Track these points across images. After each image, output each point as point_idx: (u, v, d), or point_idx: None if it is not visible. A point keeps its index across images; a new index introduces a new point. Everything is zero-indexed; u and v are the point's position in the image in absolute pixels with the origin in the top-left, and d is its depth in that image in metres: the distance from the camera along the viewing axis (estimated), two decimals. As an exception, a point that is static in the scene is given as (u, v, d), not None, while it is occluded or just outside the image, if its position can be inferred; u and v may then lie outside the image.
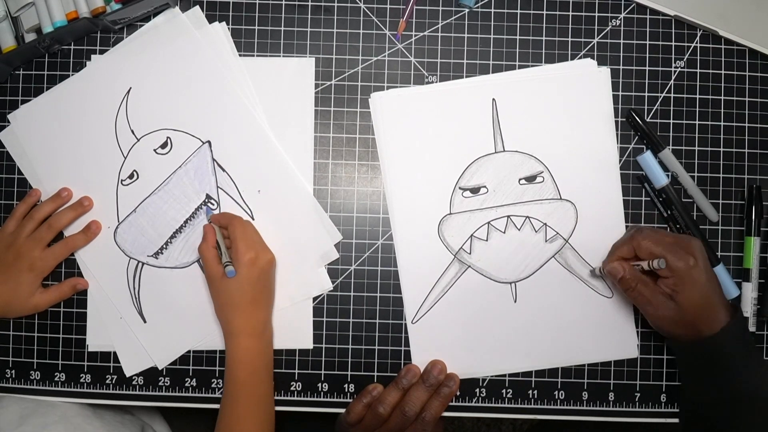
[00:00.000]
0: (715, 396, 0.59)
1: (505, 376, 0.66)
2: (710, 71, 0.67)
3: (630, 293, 0.60)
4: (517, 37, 0.67)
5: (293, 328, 0.66)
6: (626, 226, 0.66)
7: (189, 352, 0.67)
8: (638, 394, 0.66)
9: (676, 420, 0.66)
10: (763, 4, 0.66)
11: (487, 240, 0.66)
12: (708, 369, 0.59)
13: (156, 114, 0.67)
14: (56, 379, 0.67)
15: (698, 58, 0.67)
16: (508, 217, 0.66)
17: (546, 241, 0.66)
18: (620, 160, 0.67)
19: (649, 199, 0.66)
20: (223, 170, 0.67)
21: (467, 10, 0.67)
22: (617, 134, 0.67)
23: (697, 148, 0.67)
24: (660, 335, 0.65)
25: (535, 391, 0.66)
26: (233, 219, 0.63)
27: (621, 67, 0.67)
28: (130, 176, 0.67)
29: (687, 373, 0.63)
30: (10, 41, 0.66)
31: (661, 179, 0.65)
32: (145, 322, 0.67)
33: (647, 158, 0.65)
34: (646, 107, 0.67)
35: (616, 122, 0.67)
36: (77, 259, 0.67)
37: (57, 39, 0.65)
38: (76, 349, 0.67)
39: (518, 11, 0.67)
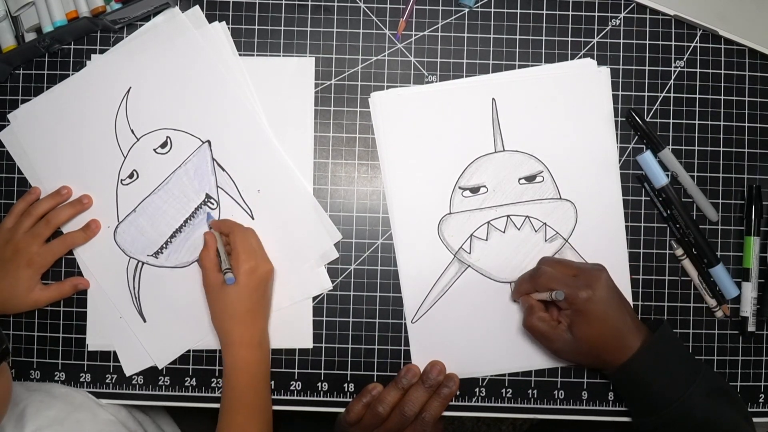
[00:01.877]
0: (648, 421, 0.59)
1: (504, 375, 0.66)
2: (710, 71, 0.67)
3: (527, 326, 0.61)
4: (517, 36, 0.67)
5: (293, 328, 0.66)
6: (626, 226, 0.66)
7: (189, 351, 0.67)
8: (638, 394, 0.66)
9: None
10: (763, 4, 0.66)
11: (486, 239, 0.66)
12: (633, 395, 0.60)
13: (156, 113, 0.67)
14: (56, 378, 0.67)
15: (698, 57, 0.67)
16: (508, 216, 0.66)
17: (546, 240, 0.66)
18: (620, 160, 0.67)
19: (648, 198, 0.66)
20: (223, 170, 0.67)
21: (467, 9, 0.67)
22: (617, 134, 0.67)
23: (696, 148, 0.67)
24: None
25: (535, 391, 0.66)
26: (235, 226, 0.63)
27: (621, 66, 0.67)
28: (130, 176, 0.67)
29: (621, 399, 0.64)
30: (10, 41, 0.66)
31: (660, 179, 0.65)
32: (144, 321, 0.67)
33: (647, 158, 0.65)
34: (646, 107, 0.67)
35: (616, 122, 0.67)
36: (77, 259, 0.67)
37: (57, 38, 0.65)
38: (76, 348, 0.67)
39: (518, 11, 0.67)
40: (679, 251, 0.66)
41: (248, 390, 0.61)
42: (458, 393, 0.66)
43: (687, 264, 0.66)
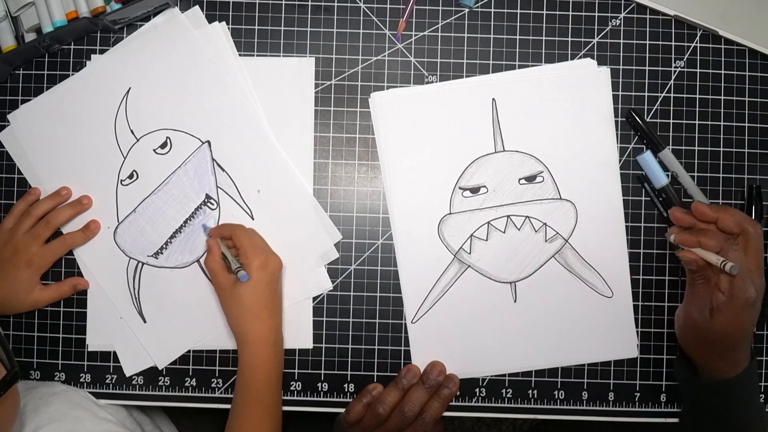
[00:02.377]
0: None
1: (505, 375, 0.66)
2: (710, 71, 0.67)
3: (691, 282, 0.58)
4: (517, 37, 0.67)
5: (293, 328, 0.66)
6: (626, 226, 0.66)
7: (189, 351, 0.67)
8: (638, 394, 0.66)
9: (676, 420, 0.66)
10: (763, 4, 0.66)
11: (486, 240, 0.66)
12: (719, 412, 0.58)
13: (155, 114, 0.67)
14: (56, 378, 0.67)
15: (698, 58, 0.67)
16: (508, 216, 0.66)
17: (546, 240, 0.66)
18: (620, 160, 0.67)
19: (648, 199, 0.66)
20: (223, 170, 0.67)
21: (467, 9, 0.67)
22: (617, 134, 0.67)
23: (697, 148, 0.67)
24: (660, 337, 0.66)
25: (535, 391, 0.66)
26: (235, 227, 0.63)
27: (621, 67, 0.67)
28: (130, 176, 0.67)
29: (694, 414, 0.62)
30: (10, 41, 0.66)
31: (661, 179, 0.65)
32: (144, 322, 0.67)
33: (647, 158, 0.65)
34: (646, 107, 0.67)
35: (616, 122, 0.67)
36: (77, 259, 0.67)
37: (57, 39, 0.65)
38: (76, 348, 0.67)
39: (518, 11, 0.67)
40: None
41: (263, 388, 0.61)
42: (458, 393, 0.66)
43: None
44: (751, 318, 0.55)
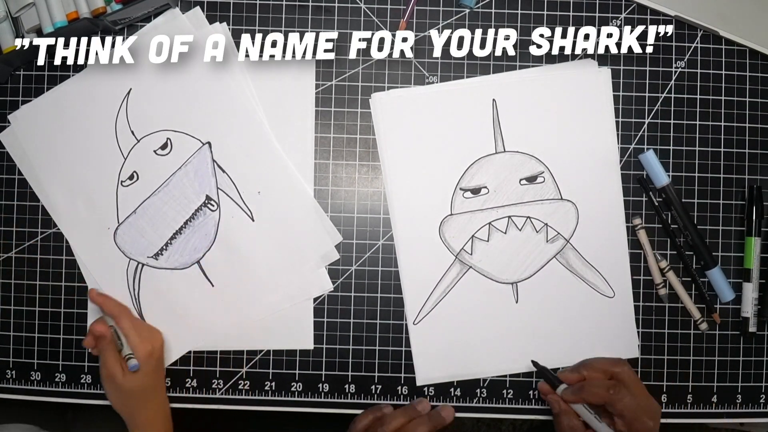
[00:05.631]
0: None
1: (505, 376, 0.66)
2: (711, 71, 0.67)
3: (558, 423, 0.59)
4: (518, 37, 0.67)
5: (294, 329, 0.66)
6: (627, 227, 0.66)
7: (189, 352, 0.67)
8: (639, 395, 0.66)
9: (675, 420, 0.66)
10: (763, 4, 0.67)
11: (488, 241, 0.66)
12: None
13: (156, 115, 0.67)
14: (56, 379, 0.67)
15: (699, 58, 0.67)
16: (509, 217, 0.66)
17: (547, 241, 0.66)
18: (621, 160, 0.67)
19: (648, 199, 0.66)
20: (223, 171, 0.67)
21: (467, 10, 0.67)
22: (618, 134, 0.67)
23: (697, 148, 0.67)
24: (660, 337, 0.66)
25: (536, 392, 0.66)
26: (121, 311, 0.63)
27: (621, 67, 0.67)
28: (130, 177, 0.67)
29: None
30: (10, 42, 0.66)
31: (662, 179, 0.65)
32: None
33: (649, 157, 0.65)
34: (646, 107, 0.67)
35: (617, 122, 0.67)
36: (77, 260, 0.67)
37: (57, 39, 0.65)
38: (77, 349, 0.67)
39: (518, 11, 0.67)
40: (663, 263, 0.66)
41: None
42: (459, 394, 0.66)
43: (671, 276, 0.66)
44: None
